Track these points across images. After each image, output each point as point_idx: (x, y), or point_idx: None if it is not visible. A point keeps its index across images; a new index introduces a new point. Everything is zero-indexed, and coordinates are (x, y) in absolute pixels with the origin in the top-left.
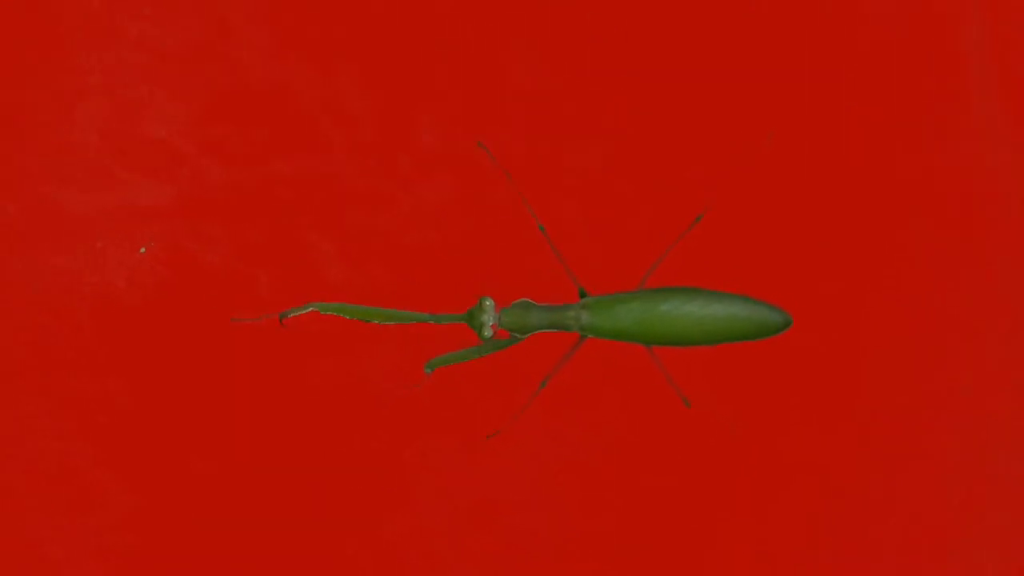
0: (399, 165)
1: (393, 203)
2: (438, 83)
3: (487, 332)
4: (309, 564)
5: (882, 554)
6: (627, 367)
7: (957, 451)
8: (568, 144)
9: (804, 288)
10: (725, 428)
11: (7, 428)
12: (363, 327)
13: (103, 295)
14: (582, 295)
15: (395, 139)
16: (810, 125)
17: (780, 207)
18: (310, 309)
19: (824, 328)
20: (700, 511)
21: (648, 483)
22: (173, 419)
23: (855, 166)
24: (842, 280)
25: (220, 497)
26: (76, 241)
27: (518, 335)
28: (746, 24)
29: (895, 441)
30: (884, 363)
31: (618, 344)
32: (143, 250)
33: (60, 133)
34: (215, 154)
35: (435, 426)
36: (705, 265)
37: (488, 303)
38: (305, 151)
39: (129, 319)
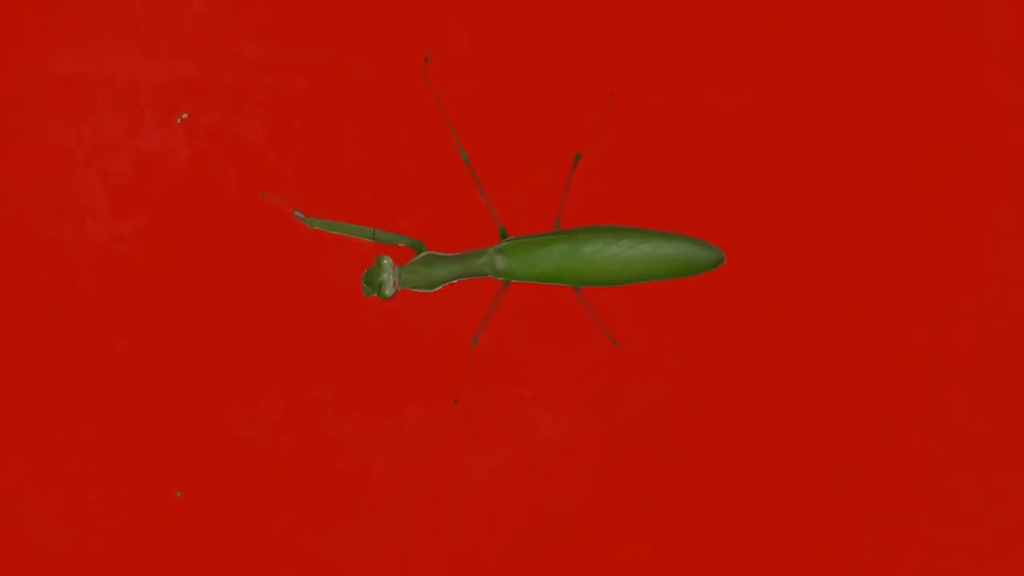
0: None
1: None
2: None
3: (388, 291)
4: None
5: (831, 481)
6: (551, 307)
7: (904, 371)
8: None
9: (738, 225)
10: (659, 364)
11: (44, 288)
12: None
13: (141, 159)
14: (504, 236)
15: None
16: (745, 59)
17: (712, 143)
18: (298, 215)
19: (758, 264)
20: (645, 454)
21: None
22: (189, 284)
23: (790, 100)
24: (775, 215)
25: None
26: (121, 107)
27: (426, 290)
28: None
29: (830, 374)
30: (820, 299)
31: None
32: (180, 120)
33: (112, 9)
34: (253, 41)
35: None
36: (634, 204)
37: (386, 262)
38: (333, 44)
39: (161, 184)
